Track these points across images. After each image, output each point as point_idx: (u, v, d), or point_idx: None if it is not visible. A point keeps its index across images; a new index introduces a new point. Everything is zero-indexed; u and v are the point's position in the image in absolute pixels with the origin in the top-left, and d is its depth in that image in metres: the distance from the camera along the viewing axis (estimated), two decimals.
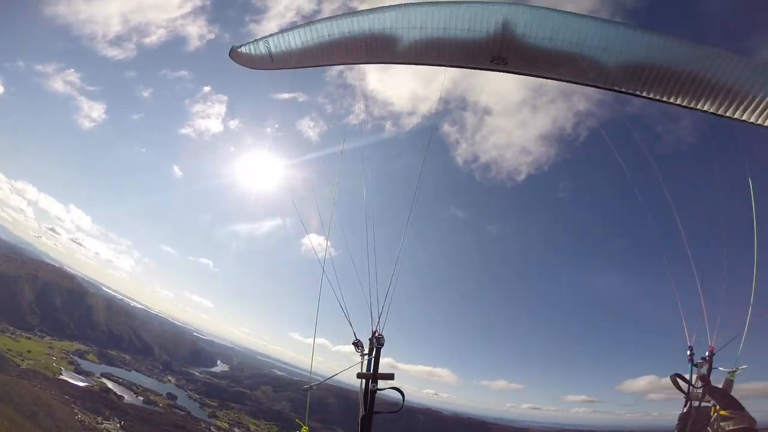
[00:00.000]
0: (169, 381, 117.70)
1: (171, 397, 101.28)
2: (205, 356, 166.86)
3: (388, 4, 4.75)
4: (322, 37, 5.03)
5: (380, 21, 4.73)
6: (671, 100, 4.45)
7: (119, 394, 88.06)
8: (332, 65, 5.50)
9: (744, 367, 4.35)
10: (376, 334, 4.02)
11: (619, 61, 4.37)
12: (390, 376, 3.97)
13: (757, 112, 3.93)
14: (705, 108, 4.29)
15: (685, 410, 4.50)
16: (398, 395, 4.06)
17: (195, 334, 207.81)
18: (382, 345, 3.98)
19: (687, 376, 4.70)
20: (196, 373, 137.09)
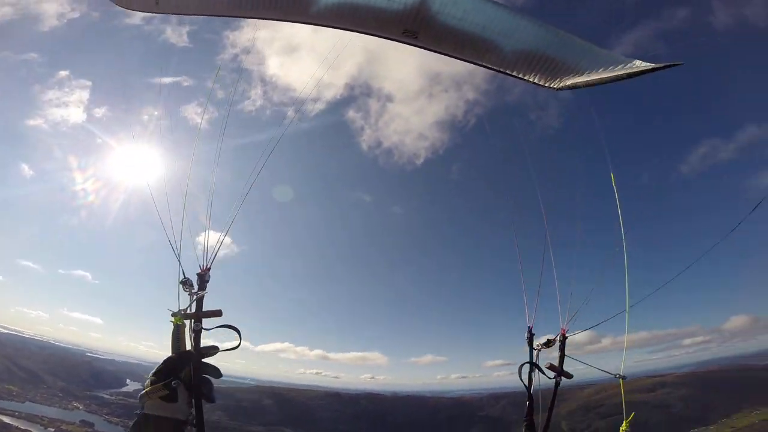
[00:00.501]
0: (77, 408, 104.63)
1: (86, 424, 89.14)
2: (108, 377, 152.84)
3: None
4: None
5: None
6: (551, 85, 4.90)
7: (23, 428, 73.16)
8: (233, 17, 5.00)
9: (624, 377, 3.86)
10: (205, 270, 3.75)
11: (516, 47, 4.68)
12: (217, 313, 3.54)
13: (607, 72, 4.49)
14: (580, 82, 4.74)
15: (528, 404, 3.95)
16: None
17: (90, 354, 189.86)
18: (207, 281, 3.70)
19: (534, 363, 4.12)
20: (106, 396, 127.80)
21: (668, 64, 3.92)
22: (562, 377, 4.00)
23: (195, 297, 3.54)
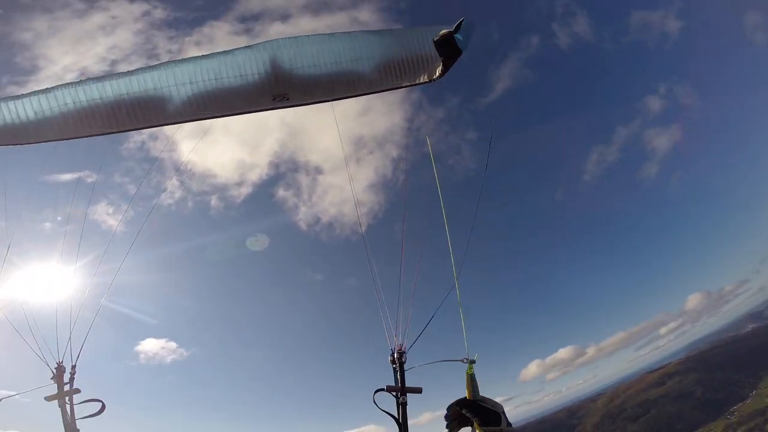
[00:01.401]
0: None
1: None
2: None
3: (155, 63, 4.57)
4: (66, 105, 4.57)
5: (141, 83, 4.57)
6: (415, 81, 4.99)
7: None
8: (88, 136, 4.81)
9: (475, 357, 3.48)
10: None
11: (372, 65, 4.80)
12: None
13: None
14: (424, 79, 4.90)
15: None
16: None
17: None
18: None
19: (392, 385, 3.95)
20: None
21: (457, 24, 4.36)
22: (408, 394, 3.83)
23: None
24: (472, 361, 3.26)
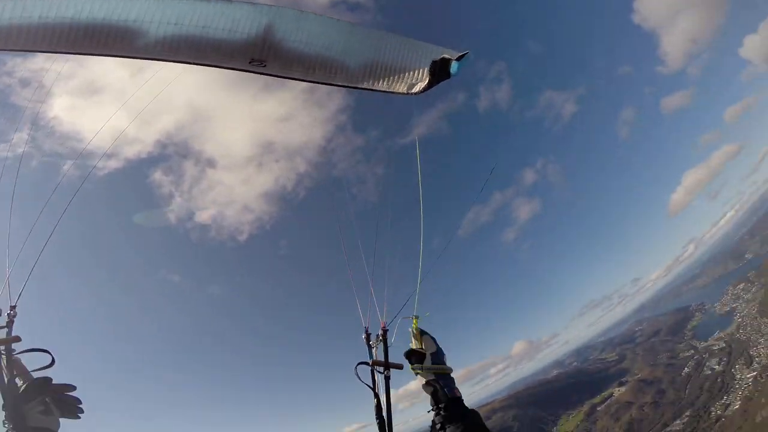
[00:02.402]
0: None
1: None
2: None
3: None
4: (32, 18, 4.04)
5: (124, 10, 4.17)
6: (393, 89, 4.84)
7: None
8: (52, 53, 4.42)
9: (426, 314, 3.97)
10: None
11: (359, 61, 4.68)
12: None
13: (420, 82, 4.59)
14: (414, 90, 4.68)
15: (375, 402, 3.87)
16: None
17: None
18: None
19: (369, 361, 4.11)
20: None
21: (461, 54, 4.41)
22: (392, 369, 4.12)
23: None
24: (416, 317, 3.86)
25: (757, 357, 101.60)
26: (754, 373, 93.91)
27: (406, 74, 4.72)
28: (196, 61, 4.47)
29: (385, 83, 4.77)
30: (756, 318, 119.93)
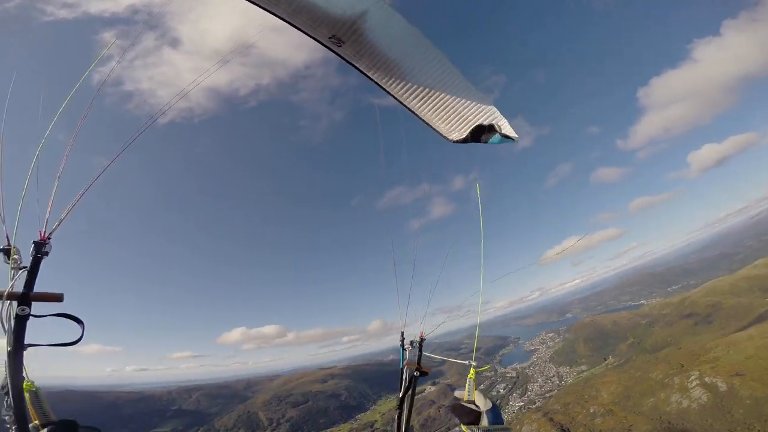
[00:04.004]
0: None
1: None
2: None
3: None
4: None
5: None
6: (430, 122, 5.14)
7: None
8: None
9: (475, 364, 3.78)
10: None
11: (418, 82, 4.85)
12: (57, 297, 2.83)
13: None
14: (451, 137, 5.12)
15: (400, 395, 3.97)
16: None
17: None
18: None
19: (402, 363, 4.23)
20: None
21: (508, 135, 4.53)
22: (420, 373, 4.40)
23: (20, 271, 2.67)
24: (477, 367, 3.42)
25: (530, 392, 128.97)
26: (521, 404, 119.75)
27: (453, 117, 4.94)
28: (286, 17, 4.45)
29: (429, 112, 4.96)
30: (546, 362, 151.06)
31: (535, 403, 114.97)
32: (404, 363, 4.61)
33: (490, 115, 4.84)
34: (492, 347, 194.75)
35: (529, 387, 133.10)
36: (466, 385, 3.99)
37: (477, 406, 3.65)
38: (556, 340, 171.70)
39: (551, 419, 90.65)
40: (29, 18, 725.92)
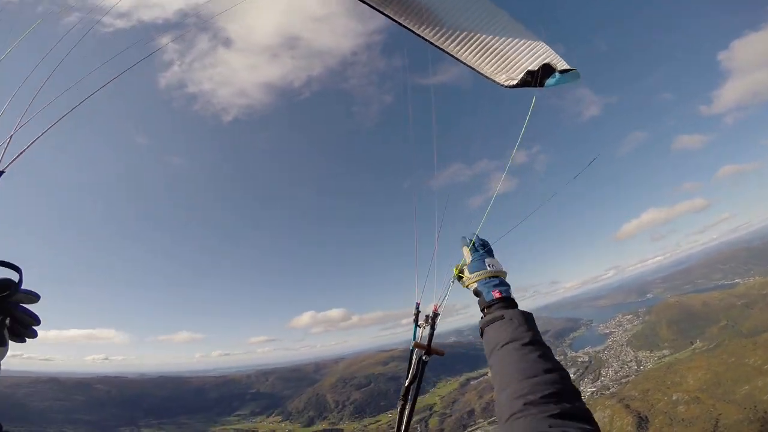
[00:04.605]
0: None
1: None
2: None
3: None
4: None
5: None
6: (478, 67, 4.57)
7: None
8: None
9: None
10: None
11: (454, 23, 4.41)
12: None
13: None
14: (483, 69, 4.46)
15: (406, 384, 3.40)
16: None
17: None
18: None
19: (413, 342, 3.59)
20: None
21: (568, 69, 4.01)
22: (432, 354, 3.67)
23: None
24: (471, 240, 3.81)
25: (603, 377, 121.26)
26: (593, 389, 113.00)
27: (501, 61, 4.33)
28: None
29: (474, 57, 4.58)
30: (623, 346, 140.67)
31: (609, 389, 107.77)
32: (414, 344, 3.79)
33: (544, 55, 4.18)
34: (561, 330, 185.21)
35: (603, 372, 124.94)
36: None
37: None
38: (635, 323, 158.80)
39: (627, 406, 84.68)
40: (92, 31, 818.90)
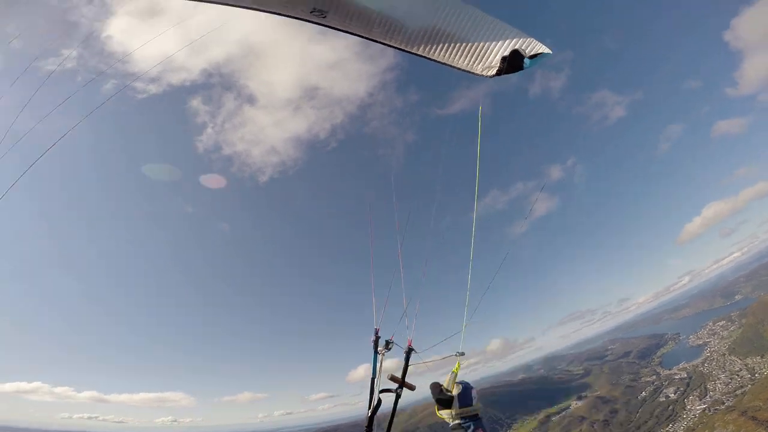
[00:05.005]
0: None
1: None
2: None
3: None
4: None
5: None
6: (453, 63, 4.89)
7: None
8: None
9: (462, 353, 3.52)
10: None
11: (420, 25, 4.62)
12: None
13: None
14: (474, 69, 4.81)
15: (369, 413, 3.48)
16: None
17: None
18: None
19: (374, 367, 3.67)
20: None
21: (539, 53, 4.27)
22: (404, 389, 3.86)
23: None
24: (461, 354, 3.46)
25: (712, 391, 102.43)
26: (704, 406, 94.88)
27: (473, 52, 4.62)
28: (258, 7, 4.52)
29: (447, 54, 4.71)
30: (724, 355, 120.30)
31: (723, 403, 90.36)
32: (390, 376, 3.92)
33: (515, 39, 4.54)
34: (645, 349, 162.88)
35: (710, 386, 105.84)
36: (448, 376, 3.74)
37: (451, 395, 3.62)
38: (731, 329, 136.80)
39: (754, 418, 68.98)
40: (128, 97, 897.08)
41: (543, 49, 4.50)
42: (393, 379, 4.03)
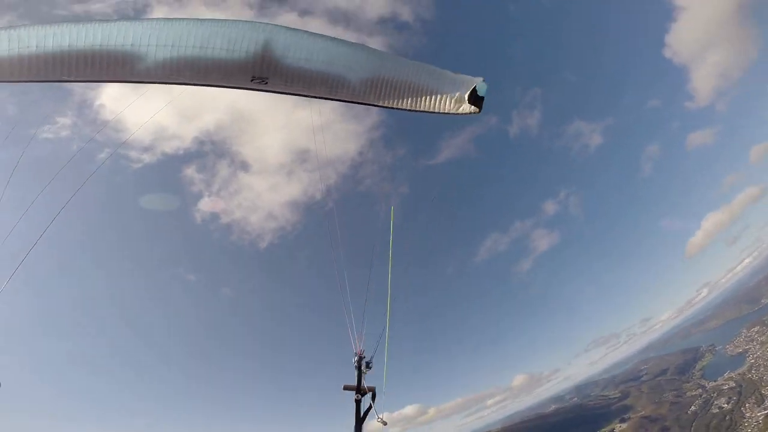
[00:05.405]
0: None
1: None
2: None
3: (133, 18, 4.15)
4: (30, 48, 4.20)
5: (118, 36, 4.15)
6: (398, 106, 5.32)
7: None
8: (56, 81, 4.66)
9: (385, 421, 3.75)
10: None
11: (361, 77, 4.85)
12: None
13: (450, 104, 5.18)
14: (418, 107, 5.30)
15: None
16: None
17: None
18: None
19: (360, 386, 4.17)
20: None
21: (472, 90, 4.79)
22: (362, 395, 4.60)
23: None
24: (384, 423, 3.64)
25: None
26: (766, 411, 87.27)
27: (432, 97, 5.15)
28: (198, 82, 4.61)
29: (394, 100, 5.09)
30: None
31: None
32: (359, 392, 4.57)
33: (460, 80, 5.07)
34: (683, 364, 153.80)
35: (765, 392, 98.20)
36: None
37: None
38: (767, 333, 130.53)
39: None
40: (121, 167, 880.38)
41: (476, 81, 5.08)
42: (346, 388, 4.74)
